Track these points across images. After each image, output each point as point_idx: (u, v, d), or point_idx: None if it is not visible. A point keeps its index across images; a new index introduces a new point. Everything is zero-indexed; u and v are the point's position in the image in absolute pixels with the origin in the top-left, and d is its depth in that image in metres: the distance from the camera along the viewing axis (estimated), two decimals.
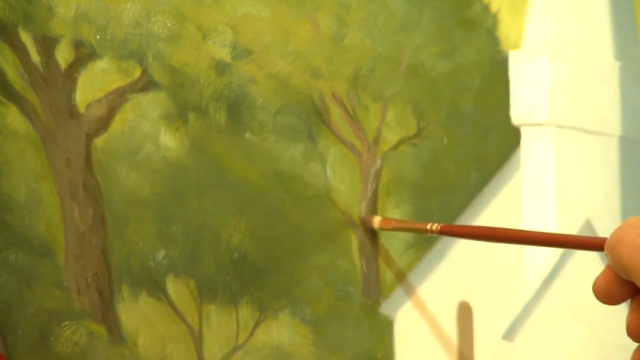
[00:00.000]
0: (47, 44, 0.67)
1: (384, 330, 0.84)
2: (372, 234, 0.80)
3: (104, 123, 0.69)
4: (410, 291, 0.86)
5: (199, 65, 0.74)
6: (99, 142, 0.69)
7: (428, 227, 0.74)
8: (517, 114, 0.92)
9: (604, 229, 0.96)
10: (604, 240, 0.54)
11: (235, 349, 0.75)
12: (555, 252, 0.93)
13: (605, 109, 0.96)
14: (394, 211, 0.84)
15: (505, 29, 0.93)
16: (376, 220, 0.81)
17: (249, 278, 0.76)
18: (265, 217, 0.77)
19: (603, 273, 0.53)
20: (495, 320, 0.90)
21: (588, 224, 0.95)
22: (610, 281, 0.53)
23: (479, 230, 0.69)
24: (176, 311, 0.72)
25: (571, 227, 0.94)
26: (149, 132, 0.71)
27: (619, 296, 0.53)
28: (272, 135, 0.78)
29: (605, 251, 0.53)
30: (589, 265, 0.95)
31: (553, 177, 0.93)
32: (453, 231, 0.71)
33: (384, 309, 0.84)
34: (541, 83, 0.93)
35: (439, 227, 0.73)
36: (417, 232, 0.79)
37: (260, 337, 0.76)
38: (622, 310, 0.97)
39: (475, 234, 0.69)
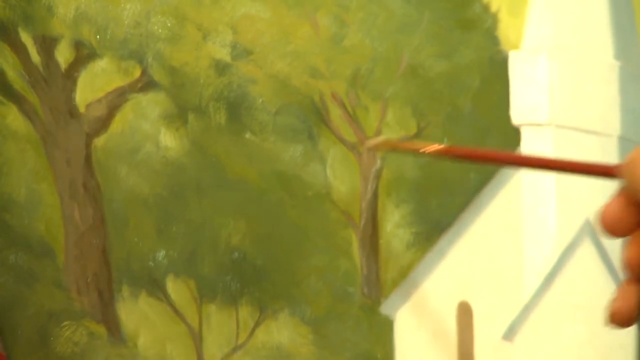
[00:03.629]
0: (47, 44, 0.67)
1: (384, 330, 0.84)
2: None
3: (104, 123, 0.69)
4: (410, 291, 0.86)
5: (198, 65, 0.74)
6: (99, 142, 0.69)
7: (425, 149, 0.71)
8: (517, 114, 0.92)
9: None
10: (612, 167, 0.53)
11: (235, 349, 0.75)
12: (555, 252, 0.93)
13: (604, 109, 0.96)
14: (394, 211, 0.84)
15: (505, 29, 0.93)
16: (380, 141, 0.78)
17: (248, 278, 0.76)
18: (265, 217, 0.77)
19: (614, 199, 0.53)
20: (495, 320, 0.90)
21: (588, 224, 0.95)
22: (622, 207, 0.52)
23: (480, 153, 0.68)
24: (176, 311, 0.72)
25: (571, 227, 0.94)
26: (149, 132, 0.71)
27: (625, 225, 0.52)
28: (272, 136, 0.78)
29: (620, 174, 0.52)
30: (589, 266, 0.95)
31: (553, 177, 0.93)
32: (452, 152, 0.69)
33: (384, 309, 0.84)
34: (541, 83, 0.93)
35: (438, 148, 0.71)
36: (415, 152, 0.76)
37: (260, 337, 0.76)
38: None
39: (476, 156, 0.67)
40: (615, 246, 0.97)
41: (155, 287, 0.71)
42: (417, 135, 0.87)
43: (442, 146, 0.68)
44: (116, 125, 0.70)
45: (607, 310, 0.54)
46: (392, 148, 0.78)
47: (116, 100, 0.70)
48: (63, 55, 0.68)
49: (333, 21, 0.82)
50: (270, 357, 0.77)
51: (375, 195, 0.83)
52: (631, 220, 0.52)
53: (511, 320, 0.91)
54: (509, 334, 0.91)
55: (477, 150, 0.67)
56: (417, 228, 0.86)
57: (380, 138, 0.78)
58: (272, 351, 0.77)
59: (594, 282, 0.96)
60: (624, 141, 0.97)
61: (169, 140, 0.72)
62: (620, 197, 0.53)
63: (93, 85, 0.69)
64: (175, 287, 0.72)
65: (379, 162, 0.84)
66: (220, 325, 0.74)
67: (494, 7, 0.93)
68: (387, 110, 0.85)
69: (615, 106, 0.97)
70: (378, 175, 0.84)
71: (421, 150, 0.68)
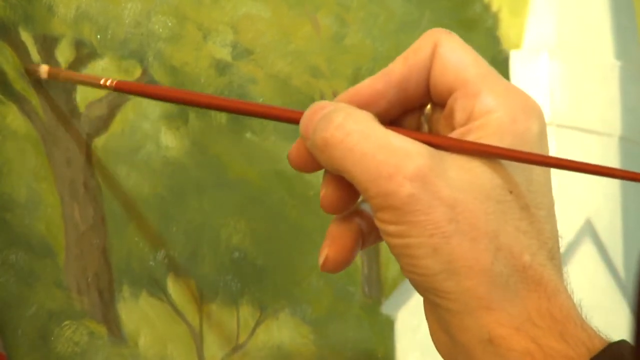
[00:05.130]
0: (47, 44, 0.67)
1: (385, 329, 0.84)
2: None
3: (104, 123, 0.69)
4: (411, 290, 0.86)
5: (199, 65, 0.74)
6: (99, 141, 0.69)
7: (102, 81, 0.65)
8: None
9: (604, 229, 0.96)
10: (300, 114, 0.55)
11: (235, 349, 0.75)
12: None
13: (605, 108, 0.96)
14: None
15: (506, 29, 0.93)
16: (43, 70, 0.67)
17: (249, 278, 0.76)
18: (266, 216, 0.77)
19: (296, 146, 0.56)
20: None
21: (588, 224, 0.95)
22: (304, 155, 0.55)
23: (159, 90, 0.65)
24: (177, 311, 0.72)
25: (571, 227, 0.94)
26: (150, 132, 0.71)
27: (312, 166, 0.56)
28: (273, 135, 0.78)
29: (302, 131, 0.55)
30: (589, 266, 0.95)
31: (553, 177, 0.93)
32: (129, 88, 0.66)
33: (385, 308, 0.84)
34: (542, 83, 0.93)
35: (113, 83, 0.65)
36: (90, 85, 0.68)
37: (260, 337, 0.76)
38: (622, 310, 0.96)
39: (155, 93, 0.65)
40: (615, 246, 0.97)
41: (156, 287, 0.71)
42: None
43: (122, 80, 0.65)
44: (116, 125, 0.70)
45: (320, 256, 0.56)
46: (59, 78, 0.67)
47: (117, 99, 0.70)
48: (63, 54, 0.68)
49: (334, 21, 0.82)
50: (270, 356, 0.77)
51: None
52: (315, 163, 0.55)
53: None
54: None
55: (173, 89, 0.65)
56: None
57: (44, 66, 0.67)
58: (272, 351, 0.77)
59: (594, 282, 0.96)
60: (625, 141, 0.97)
61: (170, 140, 0.72)
62: (302, 146, 0.56)
63: None
64: (175, 287, 0.72)
65: None
66: (220, 325, 0.74)
67: (495, 7, 0.93)
68: None
69: (616, 106, 0.97)
70: None
71: (100, 83, 0.64)
